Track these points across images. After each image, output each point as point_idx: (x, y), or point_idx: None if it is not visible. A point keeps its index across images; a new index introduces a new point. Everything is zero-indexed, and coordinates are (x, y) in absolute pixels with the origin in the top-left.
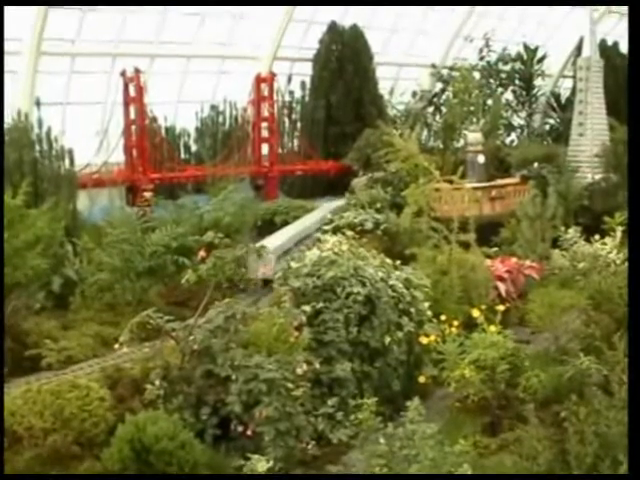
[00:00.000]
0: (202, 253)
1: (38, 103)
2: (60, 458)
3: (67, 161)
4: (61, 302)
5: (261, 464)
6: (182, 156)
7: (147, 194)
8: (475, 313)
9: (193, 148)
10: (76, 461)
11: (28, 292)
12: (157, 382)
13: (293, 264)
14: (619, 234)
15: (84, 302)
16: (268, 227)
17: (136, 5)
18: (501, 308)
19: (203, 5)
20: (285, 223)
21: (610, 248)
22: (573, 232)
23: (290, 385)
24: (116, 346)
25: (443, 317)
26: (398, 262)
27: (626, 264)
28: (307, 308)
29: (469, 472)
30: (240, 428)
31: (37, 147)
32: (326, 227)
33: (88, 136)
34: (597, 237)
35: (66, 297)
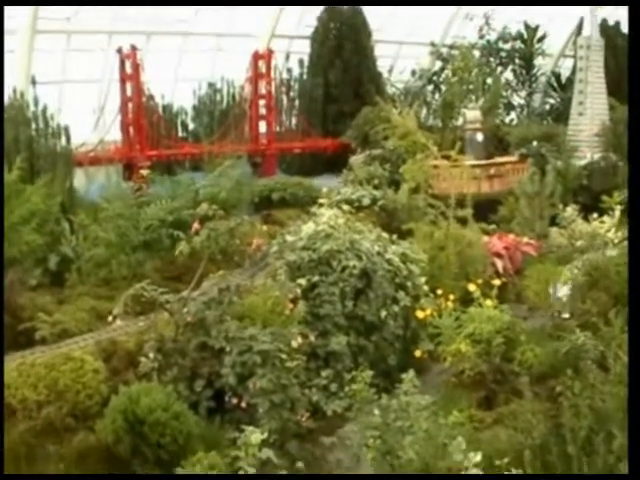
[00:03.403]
0: (196, 225)
1: (34, 81)
2: (54, 430)
3: (63, 139)
4: (58, 279)
5: (255, 436)
6: (180, 134)
7: (144, 171)
8: (471, 287)
9: (191, 126)
10: (70, 433)
11: (23, 267)
12: (151, 354)
13: (289, 237)
14: (617, 213)
15: (80, 278)
16: (265, 204)
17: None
18: (497, 282)
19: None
20: (282, 200)
21: (608, 227)
22: (571, 210)
23: (284, 357)
24: (109, 318)
25: (439, 292)
26: (395, 237)
27: (624, 243)
28: (302, 281)
29: (463, 445)
30: (234, 400)
31: (33, 125)
32: (322, 201)
33: (85, 114)
34: (595, 216)
35: (63, 274)
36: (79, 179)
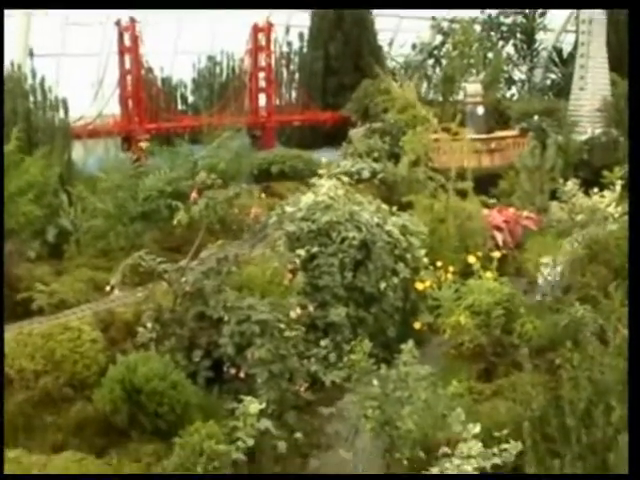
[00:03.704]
0: (194, 194)
1: (31, 54)
2: (52, 400)
3: (61, 112)
4: (56, 251)
5: (253, 406)
6: (179, 107)
7: (143, 144)
8: (471, 259)
9: (190, 99)
10: (68, 403)
11: (21, 239)
12: (149, 324)
13: (288, 208)
14: (618, 188)
15: (78, 250)
16: (264, 177)
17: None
18: (497, 255)
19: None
20: (281, 173)
21: (609, 201)
22: (572, 185)
23: (283, 327)
24: (107, 288)
25: (439, 264)
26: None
27: (625, 217)
28: (302, 252)
29: (462, 416)
30: (233, 370)
31: (31, 98)
32: (322, 172)
33: (83, 87)
34: (596, 190)
35: (61, 247)
36: (77, 152)
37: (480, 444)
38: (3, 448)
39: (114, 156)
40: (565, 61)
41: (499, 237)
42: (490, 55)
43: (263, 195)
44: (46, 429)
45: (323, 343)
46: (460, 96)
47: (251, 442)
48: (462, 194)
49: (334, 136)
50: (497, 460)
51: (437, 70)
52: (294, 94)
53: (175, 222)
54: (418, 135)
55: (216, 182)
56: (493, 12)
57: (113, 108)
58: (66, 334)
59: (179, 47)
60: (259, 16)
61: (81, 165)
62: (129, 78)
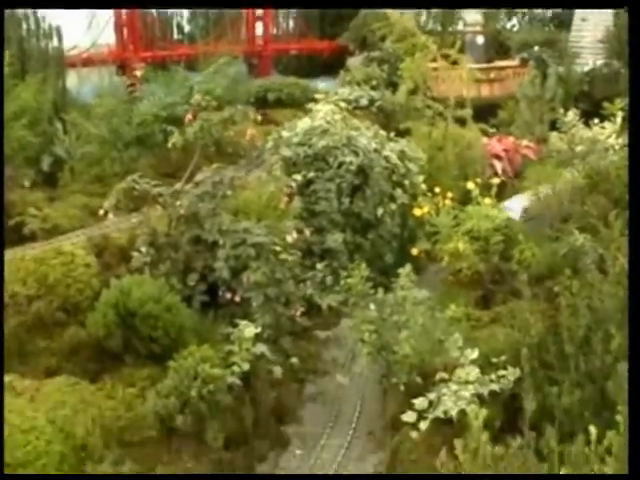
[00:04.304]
0: (189, 116)
1: None
2: (45, 325)
3: (55, 39)
4: (51, 179)
5: (249, 330)
6: (175, 37)
7: (138, 73)
8: (470, 185)
9: (186, 29)
10: (61, 328)
11: (14, 164)
12: (144, 249)
13: (284, 133)
14: (619, 120)
15: (73, 177)
16: (261, 104)
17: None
18: (496, 181)
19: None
20: (278, 100)
21: (609, 133)
22: (572, 115)
23: (279, 249)
24: (101, 212)
25: (437, 190)
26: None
27: (625, 149)
28: (298, 177)
29: (460, 341)
30: (228, 295)
31: (24, 25)
32: (319, 96)
33: (78, 16)
34: (596, 122)
35: (56, 175)
36: (72, 81)
37: (478, 370)
38: (3, 450)
39: (109, 82)
40: None
41: (498, 165)
42: None
43: (259, 117)
44: (39, 354)
45: (319, 266)
46: (460, 26)
47: (246, 366)
48: (461, 122)
49: (331, 65)
50: (495, 386)
51: None
52: (291, 23)
53: (170, 145)
54: (417, 62)
55: (211, 104)
56: None
57: (108, 38)
58: (59, 258)
59: None
60: None
61: (75, 93)
62: None
